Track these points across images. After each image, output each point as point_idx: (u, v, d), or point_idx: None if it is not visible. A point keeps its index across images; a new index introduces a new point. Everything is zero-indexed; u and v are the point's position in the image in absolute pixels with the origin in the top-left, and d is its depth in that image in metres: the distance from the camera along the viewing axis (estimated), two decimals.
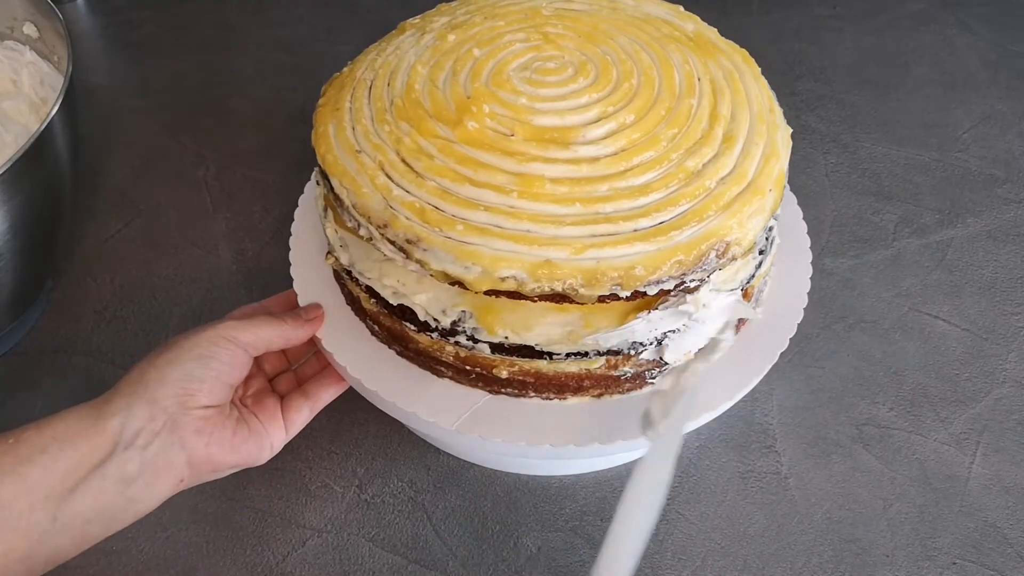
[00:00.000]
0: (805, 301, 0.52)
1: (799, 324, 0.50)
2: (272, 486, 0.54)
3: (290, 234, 0.56)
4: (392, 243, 0.42)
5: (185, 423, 0.42)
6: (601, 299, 0.41)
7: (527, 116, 0.45)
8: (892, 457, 0.55)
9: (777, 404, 0.57)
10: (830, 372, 0.59)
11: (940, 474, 0.54)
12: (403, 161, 0.44)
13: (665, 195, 0.42)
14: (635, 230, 0.41)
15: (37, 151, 0.50)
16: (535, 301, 0.41)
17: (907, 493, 0.53)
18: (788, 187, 0.57)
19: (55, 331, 0.62)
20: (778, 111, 0.48)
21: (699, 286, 0.43)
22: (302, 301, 0.51)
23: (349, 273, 0.48)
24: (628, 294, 0.41)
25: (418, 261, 0.42)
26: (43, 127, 0.50)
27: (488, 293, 0.41)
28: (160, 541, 0.52)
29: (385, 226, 0.42)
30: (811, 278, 0.53)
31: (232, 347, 0.45)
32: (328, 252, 0.50)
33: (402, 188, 0.43)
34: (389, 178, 0.43)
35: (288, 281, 0.53)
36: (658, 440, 0.43)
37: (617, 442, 0.45)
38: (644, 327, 0.43)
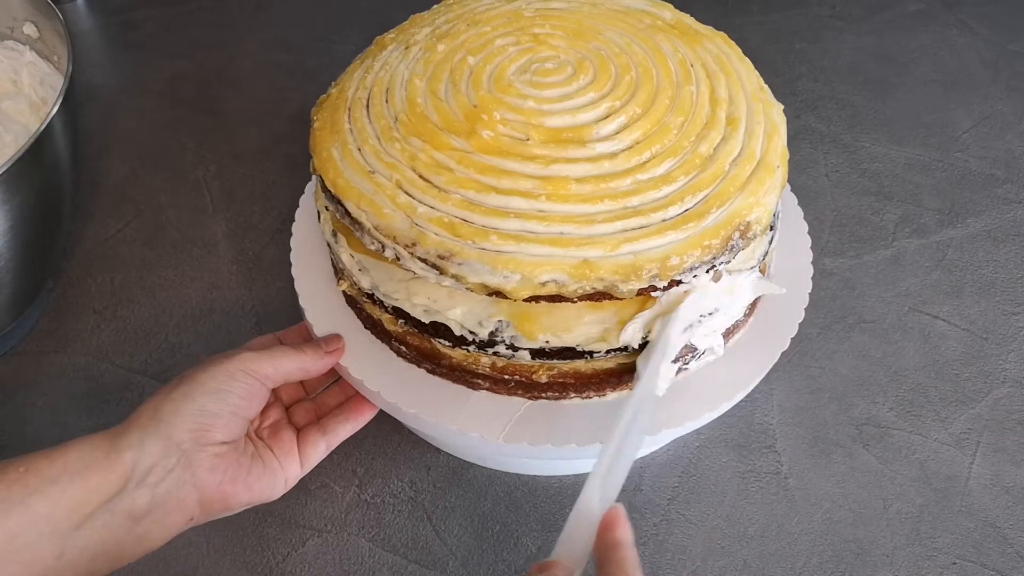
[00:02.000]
0: (805, 301, 0.52)
1: (799, 324, 0.51)
2: None
3: (290, 234, 0.55)
4: (424, 261, 0.42)
5: (199, 460, 0.41)
6: (640, 292, 0.41)
7: (538, 119, 0.45)
8: (892, 457, 0.55)
9: (777, 404, 0.57)
10: (830, 372, 0.59)
11: (940, 474, 0.54)
12: (422, 177, 0.43)
13: (686, 182, 0.43)
14: (664, 220, 0.42)
15: (37, 151, 0.50)
16: (575, 302, 0.41)
17: (907, 493, 0.53)
18: (788, 187, 0.57)
19: (55, 331, 0.62)
20: (767, 89, 0.49)
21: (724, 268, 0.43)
22: (318, 330, 0.50)
23: (371, 297, 0.47)
24: (665, 284, 0.41)
25: (454, 276, 0.41)
26: (43, 127, 0.50)
27: (528, 299, 0.41)
28: None
29: (414, 244, 0.42)
30: (811, 278, 0.53)
31: (249, 380, 0.44)
32: (340, 278, 0.49)
33: (426, 204, 0.42)
34: (410, 196, 0.43)
35: (288, 280, 0.53)
36: (636, 387, 0.43)
37: (664, 431, 0.46)
38: (683, 313, 0.43)
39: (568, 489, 0.54)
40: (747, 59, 0.50)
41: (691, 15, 0.54)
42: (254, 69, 0.83)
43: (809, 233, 0.56)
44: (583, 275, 0.40)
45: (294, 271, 0.53)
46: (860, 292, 0.64)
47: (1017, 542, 0.51)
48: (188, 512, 0.41)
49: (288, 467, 0.46)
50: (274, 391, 0.47)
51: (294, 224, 0.56)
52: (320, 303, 0.52)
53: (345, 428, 0.49)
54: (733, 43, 0.51)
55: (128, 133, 0.77)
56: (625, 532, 0.39)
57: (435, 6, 0.54)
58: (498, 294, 0.41)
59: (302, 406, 0.51)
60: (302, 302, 0.52)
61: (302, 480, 0.54)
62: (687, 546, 0.51)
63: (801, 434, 0.56)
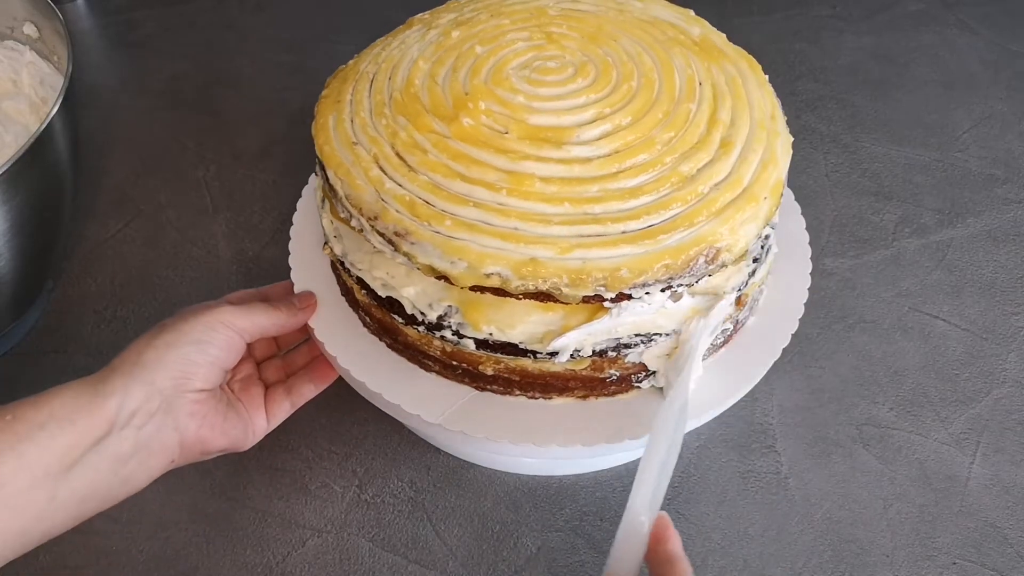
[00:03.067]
0: (805, 301, 0.52)
1: (799, 324, 0.50)
2: (272, 486, 0.54)
3: (289, 237, 0.55)
4: (382, 235, 0.43)
5: (180, 406, 0.43)
6: (586, 299, 0.41)
7: (523, 115, 0.45)
8: (892, 457, 0.55)
9: (777, 404, 0.57)
10: (830, 372, 0.59)
11: (940, 474, 0.54)
12: (397, 155, 0.44)
13: (656, 198, 0.42)
14: (623, 232, 0.41)
15: (37, 151, 0.50)
16: (519, 299, 0.42)
17: (907, 493, 0.53)
18: (788, 187, 0.57)
19: (55, 331, 0.62)
20: (780, 118, 0.48)
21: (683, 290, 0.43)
22: (297, 289, 0.52)
23: (343, 264, 0.48)
24: (613, 295, 0.41)
25: (406, 254, 0.42)
26: (43, 127, 0.50)
27: (473, 289, 0.42)
28: (160, 541, 0.52)
29: (375, 218, 0.43)
30: (811, 278, 0.53)
31: (228, 332, 0.45)
32: (325, 243, 0.50)
33: (394, 181, 0.43)
34: (383, 171, 0.44)
35: (288, 278, 0.53)
36: (670, 395, 0.44)
37: (600, 444, 0.45)
38: (620, 324, 0.43)
39: (568, 489, 0.54)
40: (769, 86, 0.49)
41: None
42: (254, 69, 0.83)
43: (809, 232, 0.56)
44: (528, 273, 0.40)
45: (292, 260, 0.53)
46: (860, 292, 0.64)
47: (1017, 542, 0.51)
48: (169, 455, 0.43)
49: (256, 420, 0.48)
50: (248, 347, 0.49)
51: (295, 215, 0.56)
52: (307, 268, 0.53)
53: (308, 389, 0.51)
54: (757, 66, 0.50)
55: (128, 133, 0.77)
56: (676, 544, 0.40)
57: None
58: (445, 279, 0.42)
59: (272, 363, 0.52)
60: (291, 262, 0.53)
61: (302, 480, 0.54)
62: (687, 546, 0.51)
63: (801, 434, 0.56)
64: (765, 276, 0.49)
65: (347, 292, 0.51)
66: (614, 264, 0.40)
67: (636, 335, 0.44)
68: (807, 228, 0.56)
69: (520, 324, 0.44)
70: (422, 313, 0.45)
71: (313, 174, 0.57)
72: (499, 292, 0.41)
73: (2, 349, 0.60)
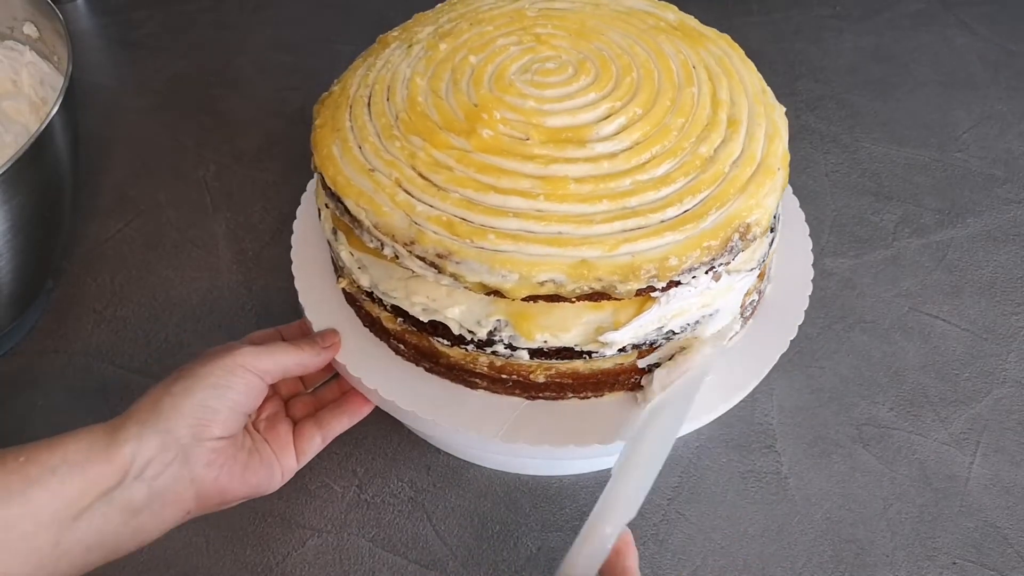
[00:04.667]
0: (806, 301, 0.52)
1: (799, 324, 0.51)
2: None
3: (290, 243, 0.55)
4: (422, 259, 0.42)
5: (197, 455, 0.41)
6: (639, 292, 0.41)
7: (538, 119, 0.45)
8: (892, 457, 0.55)
9: (777, 404, 0.57)
10: (830, 372, 0.59)
11: (940, 474, 0.54)
12: (421, 176, 0.43)
13: (685, 183, 0.43)
14: (662, 221, 0.42)
15: (37, 151, 0.50)
16: (573, 302, 0.42)
17: (907, 493, 0.53)
18: (789, 187, 0.57)
19: (55, 331, 0.62)
20: (769, 92, 0.49)
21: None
22: (317, 327, 0.50)
23: (370, 295, 0.47)
24: (663, 285, 0.41)
25: (452, 275, 0.41)
26: (43, 127, 0.50)
27: (526, 299, 0.41)
28: (160, 541, 0.52)
29: (412, 243, 0.42)
30: (811, 278, 0.53)
31: (249, 376, 0.44)
32: (340, 276, 0.49)
33: (425, 203, 0.42)
34: (409, 194, 0.43)
35: (288, 280, 0.53)
36: (648, 402, 0.44)
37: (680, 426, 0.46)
38: (668, 311, 0.44)
39: (568, 489, 0.54)
40: (750, 61, 0.50)
41: (691, 15, 0.54)
42: (254, 69, 0.83)
43: (809, 233, 0.56)
44: (581, 275, 0.40)
45: (303, 298, 0.52)
46: (860, 292, 0.64)
47: (1017, 542, 0.51)
48: (184, 506, 0.42)
49: (284, 460, 0.46)
50: (273, 384, 0.48)
51: (295, 222, 0.56)
52: (320, 302, 0.52)
53: (341, 422, 0.50)
54: (736, 45, 0.51)
55: (128, 133, 0.77)
56: (634, 560, 0.40)
57: (439, 5, 0.54)
58: (496, 293, 0.41)
59: (300, 400, 0.51)
60: (302, 300, 0.52)
61: (302, 480, 0.54)
62: (687, 546, 0.51)
63: (801, 434, 0.56)
64: (776, 245, 0.50)
65: (372, 322, 0.49)
66: (661, 254, 0.41)
67: (683, 320, 0.45)
68: (807, 228, 0.56)
69: (573, 327, 0.44)
70: (470, 332, 0.44)
71: (312, 189, 0.57)
72: (553, 298, 0.41)
73: (2, 349, 0.60)
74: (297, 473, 0.54)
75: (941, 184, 0.72)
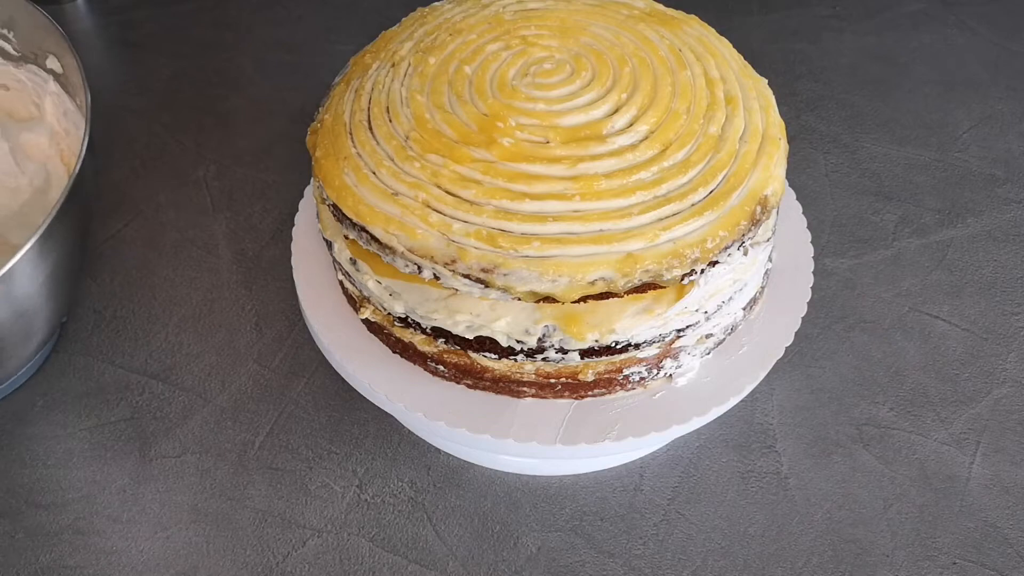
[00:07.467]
0: (806, 301, 0.52)
1: (799, 324, 0.51)
2: (272, 486, 0.54)
3: (291, 234, 0.55)
4: (467, 276, 0.41)
5: None
6: (683, 278, 0.42)
7: (552, 120, 0.44)
8: (892, 457, 0.55)
9: (777, 404, 0.57)
10: (830, 372, 0.59)
11: (940, 474, 0.54)
12: (449, 193, 0.42)
13: (706, 165, 0.43)
14: (694, 204, 0.42)
15: (68, 207, 0.48)
16: (622, 296, 0.42)
17: (907, 493, 0.53)
18: (788, 186, 0.57)
19: (55, 331, 0.62)
20: (748, 65, 0.50)
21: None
22: (317, 327, 0.50)
23: (404, 320, 0.47)
24: (704, 266, 0.42)
25: (501, 288, 0.41)
26: (73, 178, 0.48)
27: (577, 301, 0.41)
28: (160, 541, 0.52)
29: (454, 262, 0.41)
30: (811, 278, 0.53)
31: None
32: (360, 307, 0.49)
33: (460, 220, 0.41)
34: (441, 213, 0.42)
35: (289, 280, 0.53)
36: None
37: (712, 410, 0.47)
38: (706, 292, 0.45)
39: (568, 489, 0.54)
40: (723, 38, 0.51)
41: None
42: (254, 69, 0.83)
43: (809, 232, 0.56)
44: (629, 269, 0.40)
45: (294, 271, 0.53)
46: (860, 292, 0.64)
47: (1017, 542, 0.51)
48: None
49: None
50: None
51: (295, 225, 0.56)
52: (321, 303, 0.52)
53: None
54: (707, 24, 0.52)
55: (128, 133, 0.77)
56: None
57: (403, 19, 0.53)
58: (547, 299, 0.41)
59: None
60: (302, 300, 0.52)
61: (302, 480, 0.54)
62: (687, 546, 0.51)
63: (801, 434, 0.56)
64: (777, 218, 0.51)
65: (404, 348, 0.49)
66: (699, 237, 0.41)
67: (719, 298, 0.46)
68: (807, 228, 0.56)
69: (618, 321, 0.44)
70: (519, 342, 0.44)
71: (312, 179, 0.57)
72: (604, 296, 0.41)
73: (18, 383, 0.60)
74: (297, 473, 0.55)
75: (941, 184, 0.72)
